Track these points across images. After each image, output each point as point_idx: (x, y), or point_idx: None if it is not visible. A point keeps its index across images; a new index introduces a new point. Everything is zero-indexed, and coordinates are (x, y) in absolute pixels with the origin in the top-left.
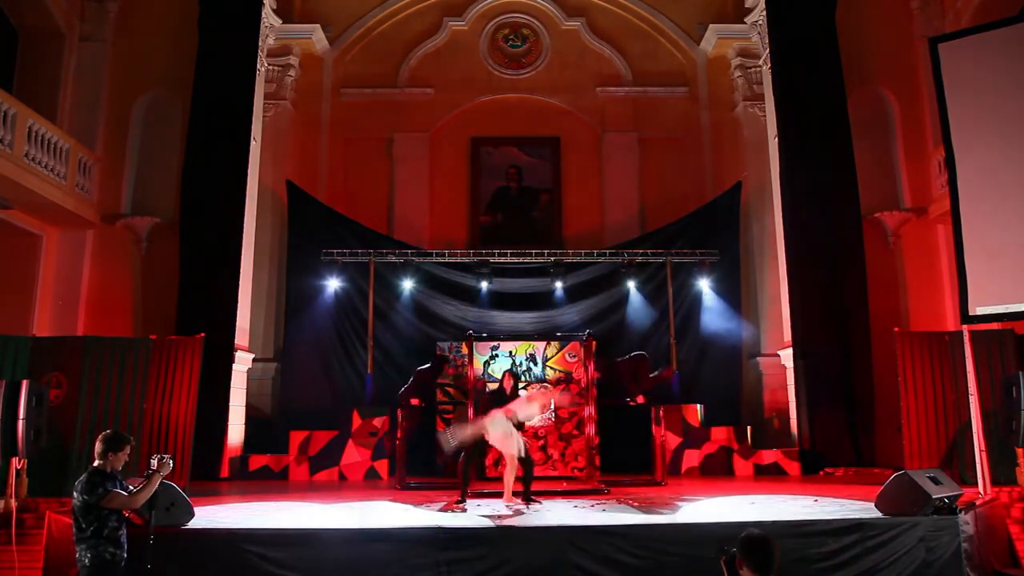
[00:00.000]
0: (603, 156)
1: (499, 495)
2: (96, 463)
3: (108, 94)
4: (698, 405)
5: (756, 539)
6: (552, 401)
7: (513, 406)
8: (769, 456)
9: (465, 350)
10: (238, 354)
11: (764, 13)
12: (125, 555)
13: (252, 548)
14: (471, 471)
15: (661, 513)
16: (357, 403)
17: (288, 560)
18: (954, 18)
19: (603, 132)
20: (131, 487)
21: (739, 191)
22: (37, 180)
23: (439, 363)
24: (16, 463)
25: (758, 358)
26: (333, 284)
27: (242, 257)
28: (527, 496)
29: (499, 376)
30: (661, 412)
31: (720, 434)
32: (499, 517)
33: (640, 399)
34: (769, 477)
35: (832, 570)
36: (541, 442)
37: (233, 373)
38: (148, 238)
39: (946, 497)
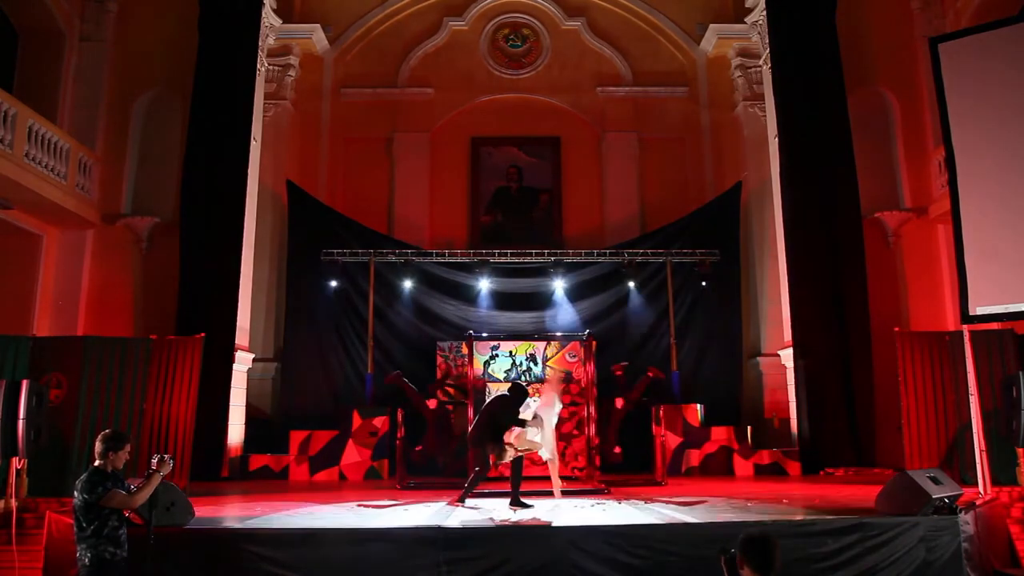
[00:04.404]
0: (603, 156)
1: (499, 495)
2: (96, 463)
3: (108, 94)
4: (698, 405)
5: (757, 538)
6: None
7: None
8: (769, 456)
9: (465, 350)
10: (238, 354)
11: (764, 13)
12: (125, 554)
13: (252, 548)
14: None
15: (661, 513)
16: (357, 403)
17: (288, 560)
18: (954, 18)
19: (603, 132)
20: (132, 487)
21: (739, 191)
22: (37, 180)
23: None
24: (16, 463)
25: (758, 358)
26: (333, 284)
27: (242, 257)
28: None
29: (500, 376)
30: (661, 412)
31: (720, 434)
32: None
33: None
34: (769, 477)
35: (832, 570)
36: None
37: (233, 373)
38: (148, 238)
39: (946, 497)
